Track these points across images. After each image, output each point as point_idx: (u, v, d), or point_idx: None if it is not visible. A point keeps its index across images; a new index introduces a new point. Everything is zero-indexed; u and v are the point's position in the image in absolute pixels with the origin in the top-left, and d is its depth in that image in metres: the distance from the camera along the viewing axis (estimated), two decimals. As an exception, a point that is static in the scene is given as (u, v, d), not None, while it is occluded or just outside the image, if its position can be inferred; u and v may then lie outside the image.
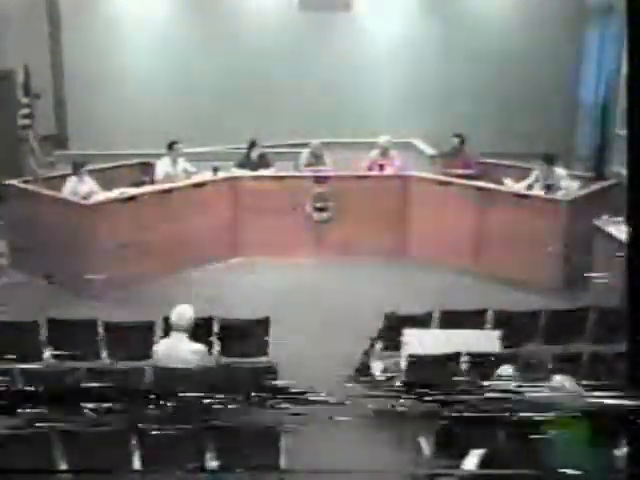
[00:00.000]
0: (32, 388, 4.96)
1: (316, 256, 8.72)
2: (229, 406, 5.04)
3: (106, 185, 8.47)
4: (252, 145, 9.26)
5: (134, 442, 4.37)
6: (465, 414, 4.63)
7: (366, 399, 5.83)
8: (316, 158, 9.35)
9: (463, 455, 4.23)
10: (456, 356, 5.33)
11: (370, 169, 9.30)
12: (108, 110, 11.47)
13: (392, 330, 5.78)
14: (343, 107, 11.75)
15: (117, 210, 7.95)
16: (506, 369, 4.63)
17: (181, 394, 4.85)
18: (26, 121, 8.57)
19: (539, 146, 9.21)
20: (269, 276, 8.30)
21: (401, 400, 5.28)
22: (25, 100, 8.55)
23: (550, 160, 8.32)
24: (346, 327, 6.82)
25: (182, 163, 8.99)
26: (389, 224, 8.88)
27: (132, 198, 8.14)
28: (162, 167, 8.91)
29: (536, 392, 4.75)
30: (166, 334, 5.42)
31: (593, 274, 7.50)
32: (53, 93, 11.44)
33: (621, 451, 4.16)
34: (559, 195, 8.08)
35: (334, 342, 6.59)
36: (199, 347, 5.23)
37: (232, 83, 11.62)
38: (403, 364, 5.41)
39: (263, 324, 5.82)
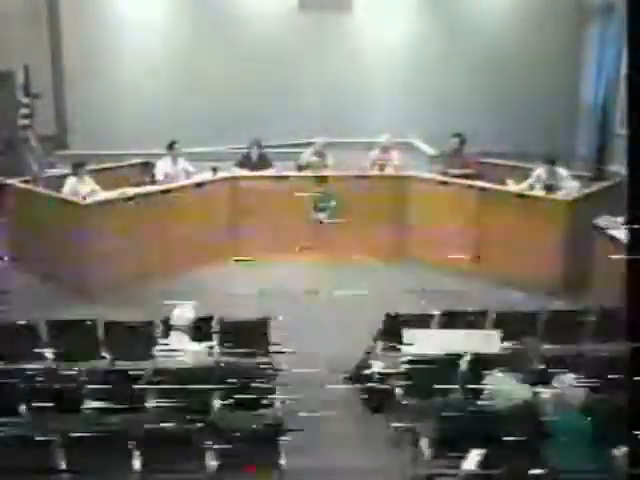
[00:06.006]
0: (32, 388, 4.97)
1: (316, 256, 8.71)
2: (229, 406, 5.05)
3: (106, 185, 8.46)
4: (253, 145, 9.27)
5: (134, 442, 4.37)
6: (465, 414, 4.65)
7: (366, 399, 5.85)
8: (319, 157, 9.36)
9: (463, 455, 4.23)
10: (456, 356, 5.33)
11: (371, 169, 9.30)
12: (108, 110, 11.46)
13: (392, 330, 5.78)
14: (343, 107, 11.74)
15: (117, 210, 7.95)
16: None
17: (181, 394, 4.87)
18: (26, 121, 8.56)
19: (539, 146, 9.21)
20: (269, 276, 8.29)
21: (401, 400, 5.30)
22: (25, 100, 8.54)
23: (552, 160, 8.32)
24: (346, 327, 6.82)
25: (182, 163, 9.00)
26: (389, 224, 8.88)
27: (132, 198, 8.14)
28: (162, 167, 8.92)
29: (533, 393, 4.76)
30: (166, 334, 5.42)
31: (593, 274, 7.51)
32: (53, 93, 11.43)
33: (621, 451, 4.16)
34: (559, 195, 8.08)
35: (334, 342, 6.59)
36: (199, 347, 5.23)
37: (232, 83, 11.61)
38: (403, 364, 5.41)
39: (263, 324, 5.82)
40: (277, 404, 5.13)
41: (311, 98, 11.61)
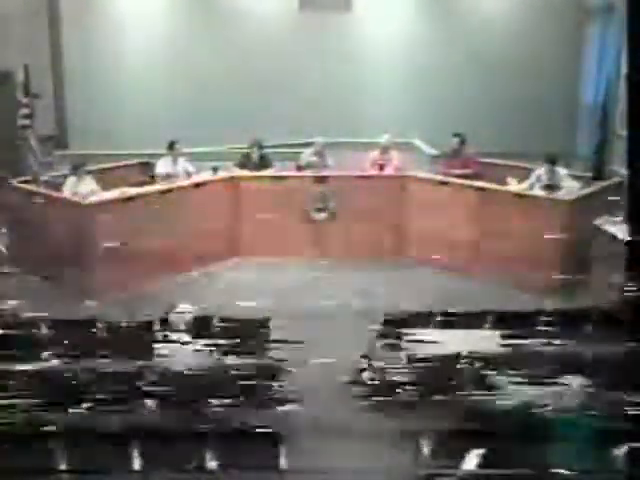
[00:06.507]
0: (32, 388, 4.97)
1: (316, 256, 8.72)
2: (229, 406, 5.06)
3: (106, 185, 8.47)
4: (254, 145, 9.27)
5: (134, 442, 4.37)
6: (465, 413, 4.65)
7: (365, 399, 5.85)
8: (319, 157, 9.37)
9: (463, 455, 4.23)
10: (456, 356, 5.33)
11: (371, 169, 9.31)
12: (108, 110, 11.48)
13: (392, 330, 5.78)
14: (343, 107, 11.75)
15: (117, 210, 7.94)
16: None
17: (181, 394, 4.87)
18: (26, 121, 8.57)
19: (539, 146, 9.20)
20: (269, 276, 8.30)
21: (401, 400, 5.30)
22: (25, 100, 8.55)
23: (552, 160, 8.32)
24: (346, 327, 6.82)
25: (182, 163, 9.00)
26: (389, 224, 8.88)
27: (132, 198, 8.14)
28: (162, 167, 8.93)
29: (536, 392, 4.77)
30: (166, 334, 5.42)
31: (593, 274, 7.51)
32: (53, 93, 11.44)
33: (621, 451, 4.16)
34: (559, 195, 8.08)
35: (334, 342, 6.59)
36: (199, 347, 5.23)
37: (232, 83, 11.63)
38: (403, 364, 5.41)
39: (263, 324, 5.82)
40: (277, 404, 5.13)
41: (311, 98, 11.61)
